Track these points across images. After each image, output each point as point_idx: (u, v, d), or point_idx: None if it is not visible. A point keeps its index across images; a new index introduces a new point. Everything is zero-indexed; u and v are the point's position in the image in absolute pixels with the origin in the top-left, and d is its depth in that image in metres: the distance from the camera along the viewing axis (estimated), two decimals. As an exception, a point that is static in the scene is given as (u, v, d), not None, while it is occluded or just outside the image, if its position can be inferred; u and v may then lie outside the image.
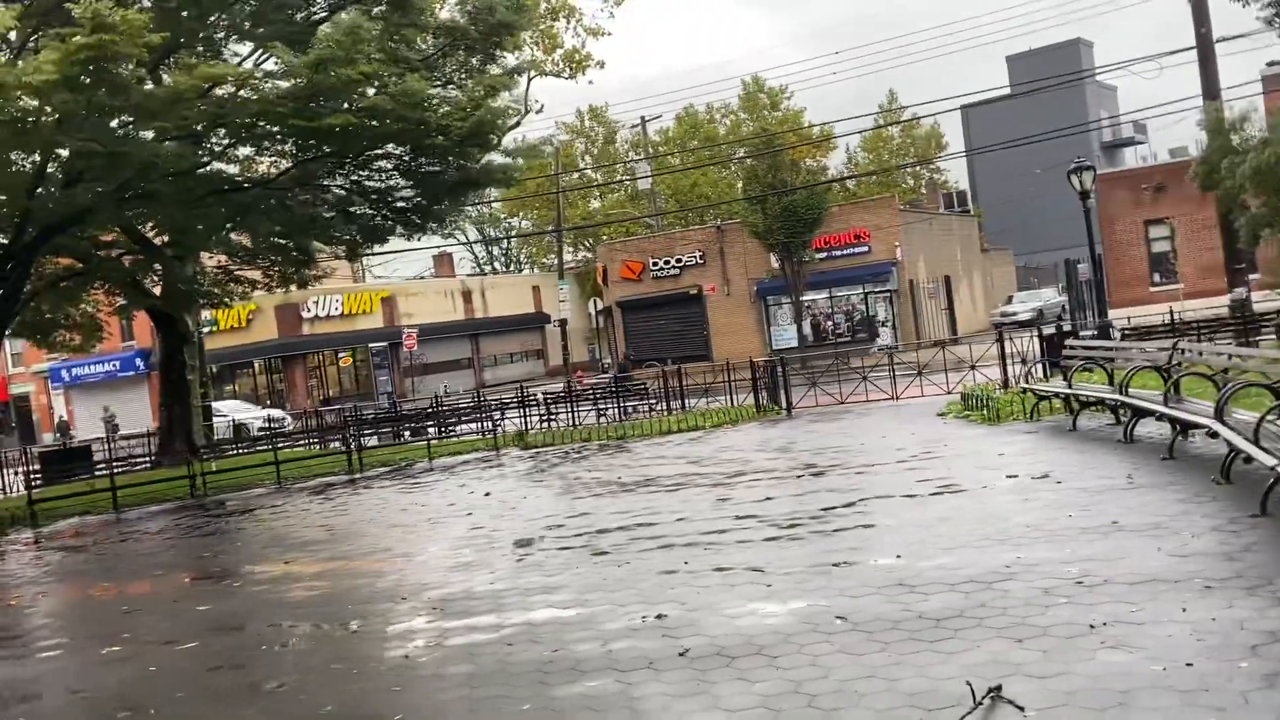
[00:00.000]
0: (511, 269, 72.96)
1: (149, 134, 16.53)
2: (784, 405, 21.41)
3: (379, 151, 19.24)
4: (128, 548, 14.94)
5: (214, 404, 32.29)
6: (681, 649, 6.10)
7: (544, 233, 63.00)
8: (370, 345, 50.70)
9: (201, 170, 18.75)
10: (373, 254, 35.46)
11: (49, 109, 14.24)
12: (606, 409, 24.10)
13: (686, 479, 13.72)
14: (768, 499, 11.28)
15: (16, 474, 25.11)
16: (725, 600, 7.15)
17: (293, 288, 27.19)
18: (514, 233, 70.70)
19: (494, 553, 10.28)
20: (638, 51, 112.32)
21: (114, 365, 51.08)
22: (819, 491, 11.38)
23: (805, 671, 5.47)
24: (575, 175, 60.17)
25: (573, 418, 23.71)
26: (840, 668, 5.45)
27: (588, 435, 21.20)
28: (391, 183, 21.10)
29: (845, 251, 40.70)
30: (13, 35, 16.94)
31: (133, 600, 10.91)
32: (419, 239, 26.90)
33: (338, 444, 24.38)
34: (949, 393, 19.90)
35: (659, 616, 6.89)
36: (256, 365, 49.96)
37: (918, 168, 67.96)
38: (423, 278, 63.33)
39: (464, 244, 69.54)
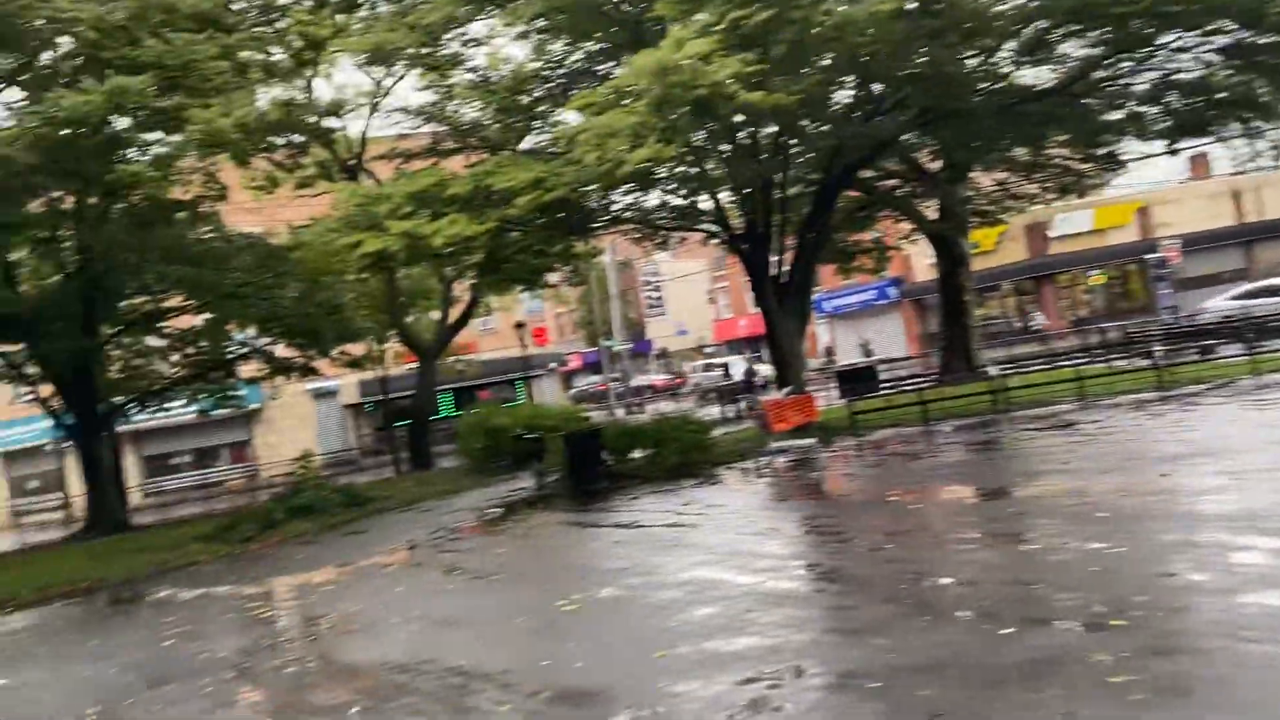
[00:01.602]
0: (1287, 163, 61.99)
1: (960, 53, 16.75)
2: None
3: (1201, 32, 17.14)
4: (985, 454, 15.57)
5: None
6: None
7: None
8: (1143, 257, 47.01)
9: (999, 84, 18.56)
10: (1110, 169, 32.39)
11: (881, 38, 15.09)
12: None
13: None
14: None
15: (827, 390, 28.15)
16: None
17: (1072, 198, 26.09)
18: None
19: None
20: None
21: (869, 295, 54.92)
22: None
23: None
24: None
25: None
26: None
27: None
28: (1206, 71, 18.68)
29: None
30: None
31: (1013, 503, 11.10)
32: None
33: (1122, 362, 22.96)
34: None
35: None
36: (1004, 288, 49.74)
37: None
38: (1179, 183, 56.98)
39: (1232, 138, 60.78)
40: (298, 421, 44.24)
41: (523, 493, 20.11)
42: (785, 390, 19.79)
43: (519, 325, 32.64)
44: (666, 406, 33.85)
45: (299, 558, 16.18)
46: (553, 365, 50.29)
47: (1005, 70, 18.40)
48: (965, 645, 6.50)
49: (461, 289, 31.47)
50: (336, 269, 22.63)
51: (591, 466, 18.07)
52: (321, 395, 44.17)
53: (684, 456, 18.41)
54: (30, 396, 31.88)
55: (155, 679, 9.07)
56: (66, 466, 39.27)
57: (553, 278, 23.99)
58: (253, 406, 38.16)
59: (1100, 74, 18.66)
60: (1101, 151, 22.14)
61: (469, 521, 17.15)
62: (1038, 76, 19.32)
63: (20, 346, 24.74)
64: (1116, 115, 19.55)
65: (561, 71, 21.45)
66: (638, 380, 58.34)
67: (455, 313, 30.80)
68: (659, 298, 73.41)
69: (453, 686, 7.34)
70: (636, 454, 19.16)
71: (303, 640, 9.83)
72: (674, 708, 6.08)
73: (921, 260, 48.03)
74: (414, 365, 39.15)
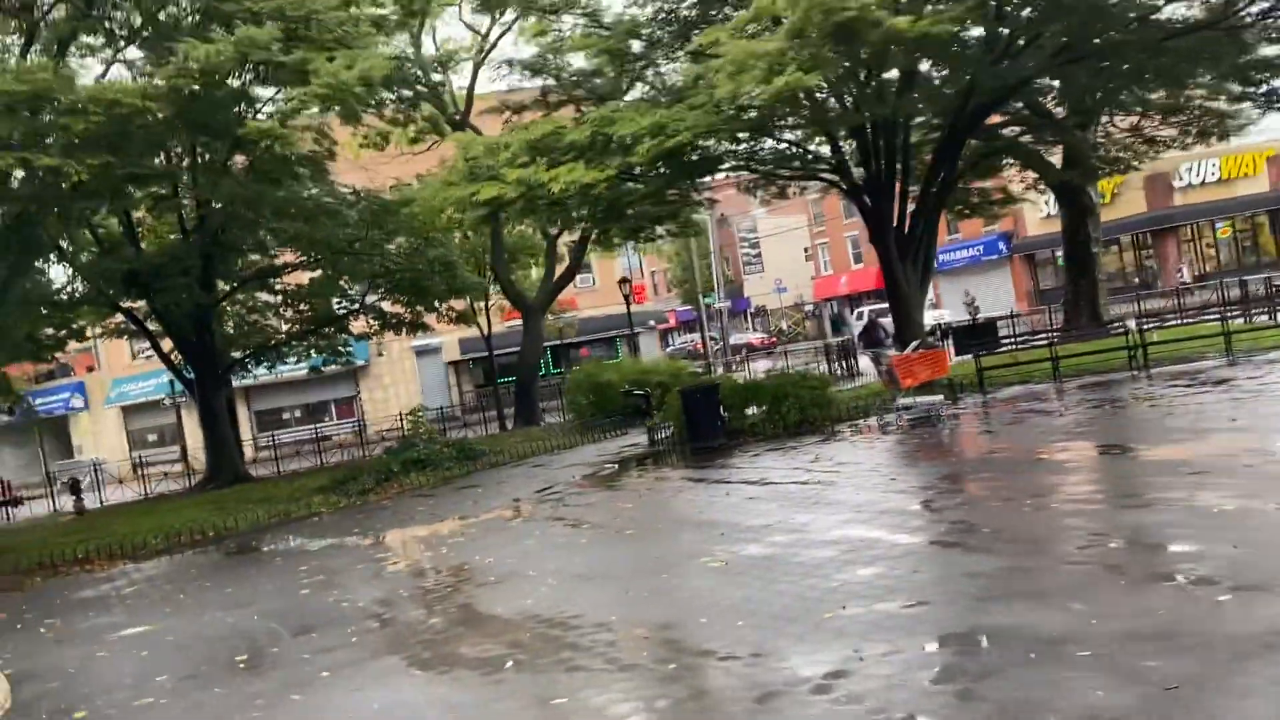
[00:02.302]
0: None
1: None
2: None
3: None
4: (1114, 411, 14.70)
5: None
6: None
7: None
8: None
9: (1148, 15, 17.31)
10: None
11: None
12: None
13: None
14: None
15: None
16: None
17: (1211, 142, 24.51)
18: None
19: None
20: None
21: (976, 250, 53.17)
22: None
23: None
24: None
25: None
26: None
27: None
28: None
29: None
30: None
31: (1184, 462, 10.31)
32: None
33: (1264, 317, 21.60)
34: None
35: None
36: (1123, 241, 47.55)
37: None
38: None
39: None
40: (402, 378, 44.93)
41: (636, 449, 19.87)
42: (914, 345, 19.02)
43: (623, 281, 32.29)
44: (764, 365, 33.18)
45: (420, 510, 16.19)
46: (651, 323, 49.97)
47: (1155, 1, 17.14)
48: (1180, 612, 5.91)
49: (568, 242, 31.27)
50: (447, 224, 22.59)
51: (709, 423, 17.67)
52: (424, 353, 44.72)
53: (803, 413, 17.90)
54: (150, 353, 32.92)
55: (298, 627, 9.01)
56: (184, 420, 40.58)
57: (663, 230, 23.43)
58: (359, 363, 38.76)
59: (1262, 4, 17.25)
60: (1261, 90, 20.56)
61: (587, 476, 16.95)
62: (1189, 8, 17.99)
63: (142, 303, 25.36)
64: (1275, 49, 18.08)
65: (678, 12, 20.77)
66: (736, 338, 57.71)
67: (559, 270, 30.62)
68: (756, 255, 72.45)
69: (607, 643, 7.04)
70: (751, 411, 18.70)
71: (440, 592, 9.67)
72: (860, 673, 5.64)
73: (1033, 214, 46.12)
74: (515, 323, 39.31)
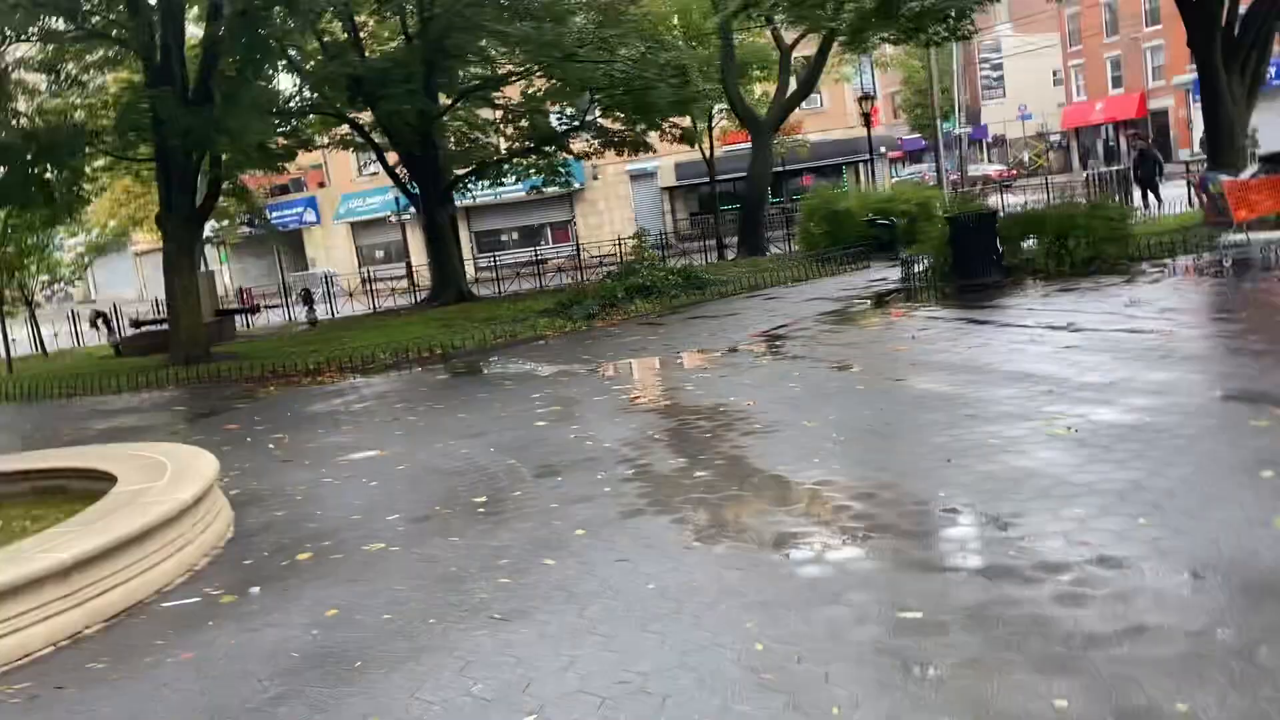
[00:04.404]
0: None
1: None
2: None
3: None
4: None
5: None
6: None
7: None
8: None
9: None
10: None
11: None
12: None
13: None
14: None
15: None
16: None
17: None
18: None
19: None
20: None
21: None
22: None
23: None
24: None
25: None
26: None
27: None
28: None
29: None
30: None
31: None
32: None
33: None
34: None
35: None
36: None
37: None
38: None
39: None
40: (616, 203, 43.75)
41: (884, 284, 17.78)
42: (1251, 171, 15.71)
43: (865, 98, 29.16)
44: (1013, 200, 29.66)
45: (651, 339, 14.87)
46: (883, 149, 46.24)
47: None
48: None
49: (801, 57, 28.43)
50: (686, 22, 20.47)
51: (982, 257, 15.27)
52: (639, 177, 43.20)
53: (1095, 249, 15.20)
54: (375, 169, 32.87)
55: (539, 467, 7.81)
56: (408, 237, 41.10)
57: (933, 30, 20.23)
58: (575, 187, 37.69)
59: None
60: None
61: (835, 313, 15.08)
62: None
63: (367, 114, 24.78)
64: None
65: None
66: (971, 170, 52.99)
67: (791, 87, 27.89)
68: (998, 77, 65.92)
69: (957, 539, 5.35)
70: (1028, 245, 16.14)
71: (698, 438, 8.22)
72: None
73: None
74: (733, 147, 36.93)
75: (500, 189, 34.12)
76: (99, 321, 25.63)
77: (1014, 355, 9.70)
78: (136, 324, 25.22)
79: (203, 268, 25.24)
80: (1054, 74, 63.73)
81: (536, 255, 33.42)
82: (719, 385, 10.40)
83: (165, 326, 20.47)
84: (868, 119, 28.95)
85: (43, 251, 23.55)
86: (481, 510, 6.86)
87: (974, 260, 15.32)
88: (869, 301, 15.93)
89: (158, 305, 26.81)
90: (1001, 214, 17.62)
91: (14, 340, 23.70)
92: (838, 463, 6.89)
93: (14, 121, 17.62)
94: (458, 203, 29.03)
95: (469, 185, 27.43)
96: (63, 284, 26.62)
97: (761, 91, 32.63)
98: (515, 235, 44.14)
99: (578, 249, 34.31)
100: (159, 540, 6.07)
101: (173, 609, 5.68)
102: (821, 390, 9.47)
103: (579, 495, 6.88)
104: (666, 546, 5.65)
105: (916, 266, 17.30)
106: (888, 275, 18.76)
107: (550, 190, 31.88)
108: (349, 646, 4.80)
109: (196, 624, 5.39)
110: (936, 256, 16.59)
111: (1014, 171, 57.27)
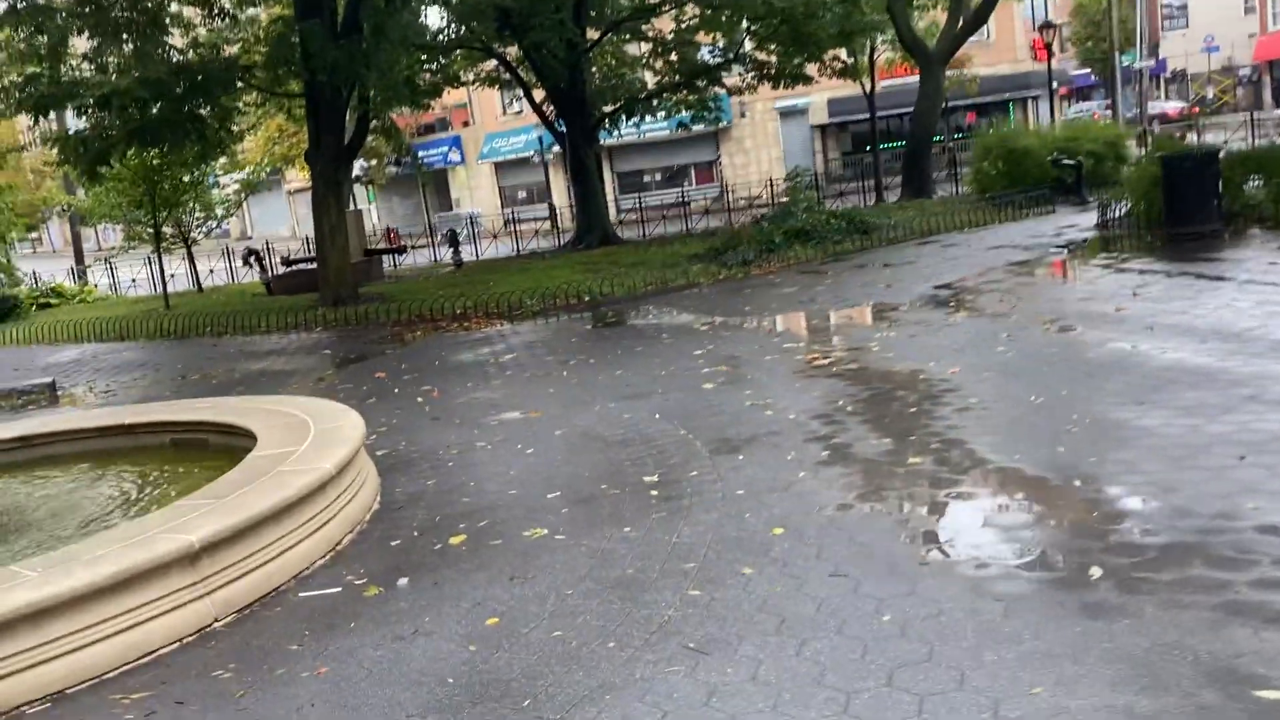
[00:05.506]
0: None
1: None
2: None
3: None
4: None
5: None
6: None
7: None
8: None
9: None
10: None
11: None
12: None
13: None
14: None
15: None
16: None
17: None
18: None
19: None
20: None
21: None
22: None
23: None
24: None
25: None
26: None
27: None
28: None
29: None
30: None
31: None
32: None
33: None
34: None
35: None
36: None
37: None
38: None
39: None
40: (764, 142, 42.00)
41: (1077, 229, 16.01)
42: None
43: (1046, 26, 26.67)
44: (1211, 138, 26.74)
45: (818, 290, 13.61)
46: (1055, 85, 42.88)
47: None
48: None
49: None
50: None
51: (1201, 202, 13.36)
52: (789, 114, 41.26)
53: (1342, 195, 13.14)
54: (520, 108, 32.16)
55: (715, 440, 6.82)
56: (551, 178, 40.49)
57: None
58: (722, 125, 36.15)
59: None
60: None
61: (1028, 263, 13.51)
62: None
63: (514, 49, 23.97)
64: None
65: None
66: (1153, 108, 48.82)
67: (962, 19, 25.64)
68: (1181, 6, 60.46)
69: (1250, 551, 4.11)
70: (1250, 189, 14.12)
71: (899, 411, 7.06)
72: None
73: None
74: (892, 82, 34.66)
75: (644, 127, 32.97)
76: (251, 259, 25.87)
77: (1272, 322, 8.12)
78: (287, 262, 25.33)
79: (351, 206, 25.05)
80: (1245, 1, 58.00)
81: (683, 196, 32.24)
82: (910, 347, 9.15)
83: (314, 265, 20.29)
84: (1049, 47, 26.45)
85: (198, 188, 23.72)
86: (654, 493, 5.90)
87: (1191, 205, 13.43)
88: (1065, 250, 14.24)
89: (308, 243, 26.89)
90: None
91: (172, 276, 24.10)
92: (1091, 453, 5.63)
93: (167, 56, 17.41)
94: (600, 142, 28.11)
95: (616, 123, 26.40)
96: (218, 222, 26.89)
97: (930, 20, 30.33)
98: (658, 176, 42.97)
99: (724, 190, 32.93)
100: (298, 517, 5.35)
101: (311, 600, 4.95)
102: (1040, 357, 8.13)
103: (768, 481, 5.85)
104: (894, 559, 4.57)
105: (1115, 211, 15.51)
106: (1077, 221, 16.95)
107: (696, 128, 30.55)
108: (514, 674, 3.92)
109: (336, 623, 4.62)
110: (1139, 201, 14.77)
111: (1194, 109, 52.57)
